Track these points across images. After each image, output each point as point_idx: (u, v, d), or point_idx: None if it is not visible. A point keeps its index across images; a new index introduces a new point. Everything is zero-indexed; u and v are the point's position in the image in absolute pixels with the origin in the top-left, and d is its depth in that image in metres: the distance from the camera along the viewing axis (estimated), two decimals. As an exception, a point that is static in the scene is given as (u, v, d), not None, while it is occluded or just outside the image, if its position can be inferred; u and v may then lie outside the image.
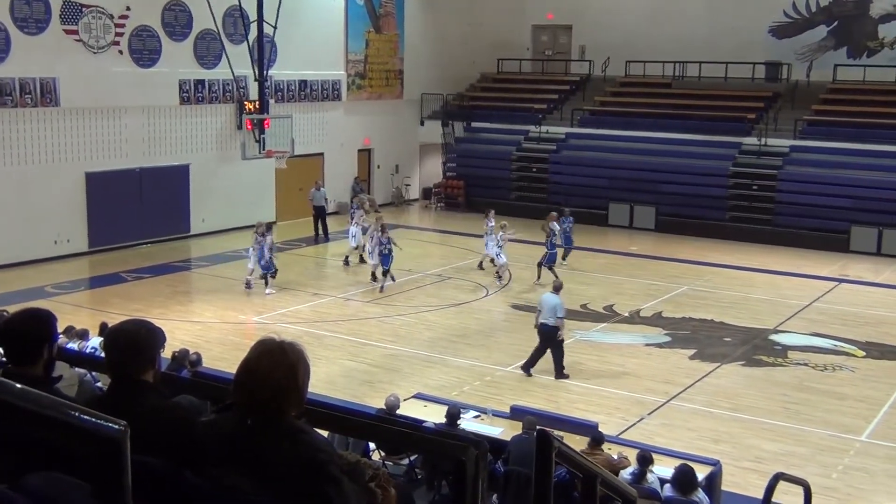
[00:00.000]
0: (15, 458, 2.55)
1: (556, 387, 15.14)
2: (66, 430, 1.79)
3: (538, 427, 5.67)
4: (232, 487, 2.57)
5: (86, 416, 1.79)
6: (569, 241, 23.63)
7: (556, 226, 22.36)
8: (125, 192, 24.65)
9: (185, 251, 25.34)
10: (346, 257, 23.58)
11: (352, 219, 23.93)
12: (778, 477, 5.83)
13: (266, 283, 20.70)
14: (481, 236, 23.32)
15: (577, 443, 10.17)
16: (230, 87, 27.00)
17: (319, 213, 27.24)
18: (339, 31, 31.15)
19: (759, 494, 6.94)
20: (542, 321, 15.41)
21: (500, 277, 22.04)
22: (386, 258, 20.91)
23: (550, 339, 15.43)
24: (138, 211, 25.03)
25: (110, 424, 1.78)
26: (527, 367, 15.56)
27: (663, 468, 9.95)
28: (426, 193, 34.73)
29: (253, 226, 21.39)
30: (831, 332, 18.55)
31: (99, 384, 9.55)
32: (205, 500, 2.58)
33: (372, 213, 24.35)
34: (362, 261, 23.25)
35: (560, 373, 15.43)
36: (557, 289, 15.84)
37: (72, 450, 1.91)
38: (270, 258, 20.69)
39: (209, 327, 18.09)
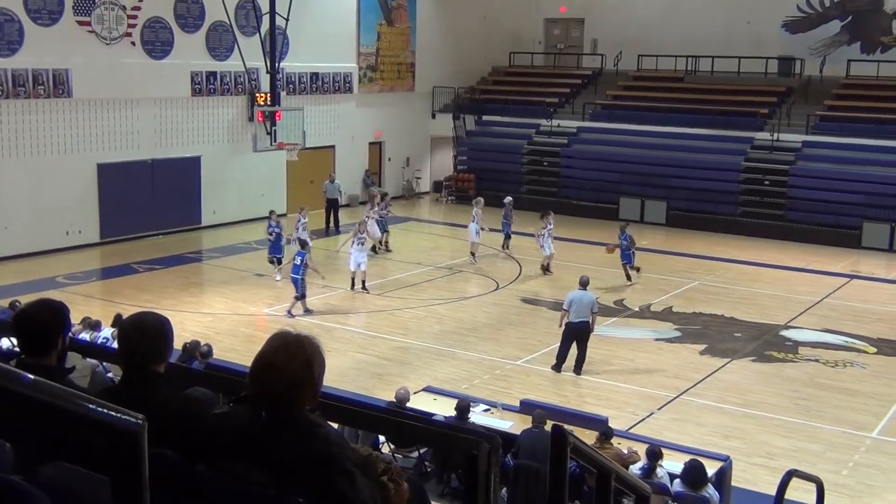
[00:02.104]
0: (30, 449, 2.55)
1: (566, 381, 15.13)
2: (83, 422, 1.79)
3: (553, 423, 5.66)
4: (245, 480, 2.57)
5: (103, 409, 1.79)
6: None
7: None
8: (137, 184, 24.71)
9: (196, 242, 25.39)
10: (374, 245, 23.52)
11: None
12: (791, 473, 5.81)
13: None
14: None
15: (587, 437, 10.16)
16: (242, 79, 27.02)
17: (332, 206, 27.27)
18: (351, 23, 31.13)
19: (770, 490, 6.93)
20: (579, 319, 15.20)
21: (473, 255, 23.27)
22: (297, 281, 18.36)
23: (583, 335, 15.32)
24: (150, 202, 25.09)
25: (128, 418, 1.78)
26: (558, 367, 15.41)
27: (673, 463, 9.94)
28: (437, 186, 34.71)
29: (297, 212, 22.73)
30: (843, 329, 18.48)
31: (110, 375, 9.59)
32: (218, 493, 2.58)
33: (374, 203, 24.44)
34: (375, 250, 23.41)
35: (581, 368, 15.40)
36: (586, 283, 15.70)
37: (87, 442, 1.91)
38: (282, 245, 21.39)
39: (220, 319, 18.13)
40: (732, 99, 30.72)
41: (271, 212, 22.20)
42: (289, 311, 18.37)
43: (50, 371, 3.10)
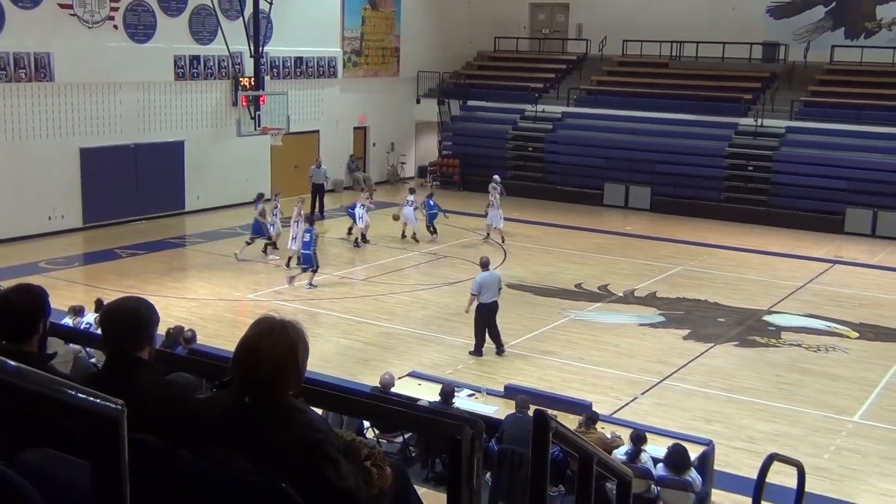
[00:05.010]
0: (12, 435, 2.54)
1: (550, 366, 15.17)
2: (63, 408, 1.78)
3: (535, 407, 5.68)
4: (228, 465, 2.56)
5: (83, 395, 1.78)
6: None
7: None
8: (120, 168, 24.57)
9: (179, 228, 25.28)
10: (356, 239, 23.44)
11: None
12: (772, 458, 5.84)
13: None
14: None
15: (571, 422, 10.21)
16: (225, 64, 26.87)
17: (318, 191, 27.16)
18: (335, 7, 30.98)
19: (752, 474, 6.97)
20: (491, 299, 15.42)
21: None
22: (310, 256, 19.36)
23: (494, 314, 15.55)
24: (133, 187, 24.96)
25: (108, 403, 1.77)
26: (500, 349, 15.55)
27: (656, 447, 9.99)
28: (422, 172, 34.69)
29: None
30: (825, 314, 18.59)
31: (93, 360, 9.55)
32: (201, 478, 2.58)
33: (369, 191, 24.42)
34: (365, 240, 23.34)
35: (503, 345, 15.62)
36: (487, 264, 16.01)
37: (69, 428, 1.90)
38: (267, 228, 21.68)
39: (204, 304, 18.08)
40: (717, 84, 30.78)
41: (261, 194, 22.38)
42: (310, 283, 19.27)
43: (30, 357, 3.08)
